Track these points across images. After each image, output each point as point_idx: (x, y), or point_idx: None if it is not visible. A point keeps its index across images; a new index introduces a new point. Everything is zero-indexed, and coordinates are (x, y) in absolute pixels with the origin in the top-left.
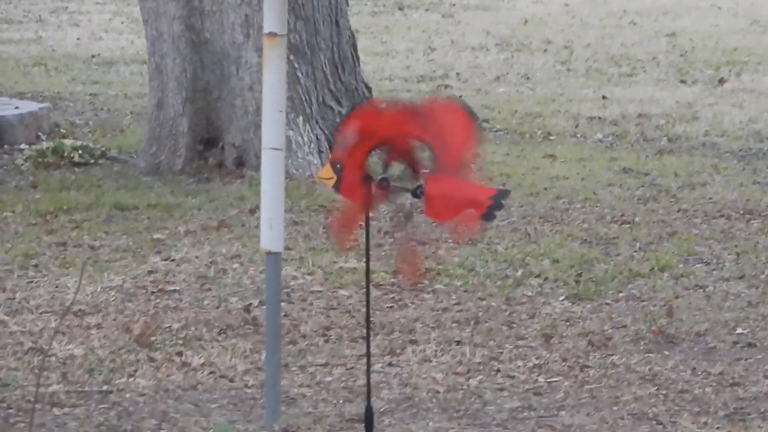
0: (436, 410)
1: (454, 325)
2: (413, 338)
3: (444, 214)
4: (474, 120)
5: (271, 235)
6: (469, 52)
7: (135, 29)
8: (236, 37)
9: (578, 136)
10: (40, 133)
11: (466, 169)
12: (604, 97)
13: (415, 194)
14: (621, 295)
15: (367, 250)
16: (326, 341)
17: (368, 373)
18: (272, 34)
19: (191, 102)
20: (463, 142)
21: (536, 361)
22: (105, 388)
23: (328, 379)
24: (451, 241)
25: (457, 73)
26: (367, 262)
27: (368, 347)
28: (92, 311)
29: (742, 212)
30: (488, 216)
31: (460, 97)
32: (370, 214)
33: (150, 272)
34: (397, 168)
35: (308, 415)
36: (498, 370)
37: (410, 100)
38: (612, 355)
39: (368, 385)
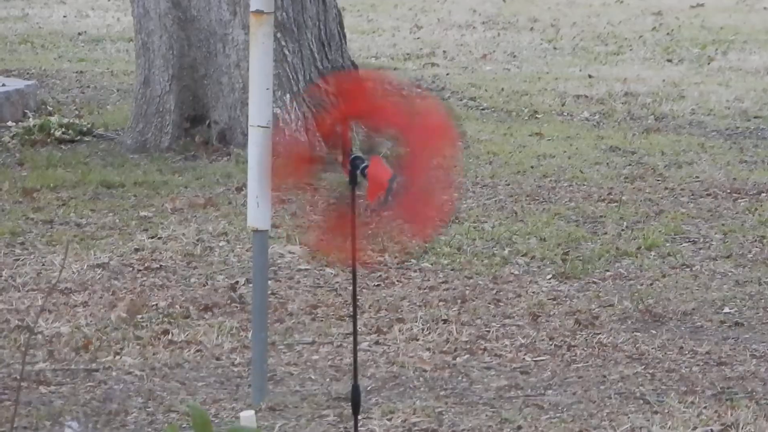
0: (422, 389)
1: (441, 303)
2: (400, 317)
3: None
4: (455, 127)
5: (258, 212)
6: (455, 30)
7: (121, 7)
8: (223, 14)
9: (565, 114)
10: (26, 111)
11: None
12: (590, 76)
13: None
14: (608, 273)
15: (353, 227)
16: (313, 319)
17: (355, 351)
18: (259, 12)
19: (178, 79)
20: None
21: (523, 340)
22: (91, 366)
23: (315, 357)
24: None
25: (444, 51)
26: (354, 239)
27: (355, 326)
28: (79, 289)
29: (728, 191)
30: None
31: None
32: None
33: (136, 250)
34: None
35: (295, 394)
36: (485, 349)
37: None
38: (599, 334)
39: (355, 363)
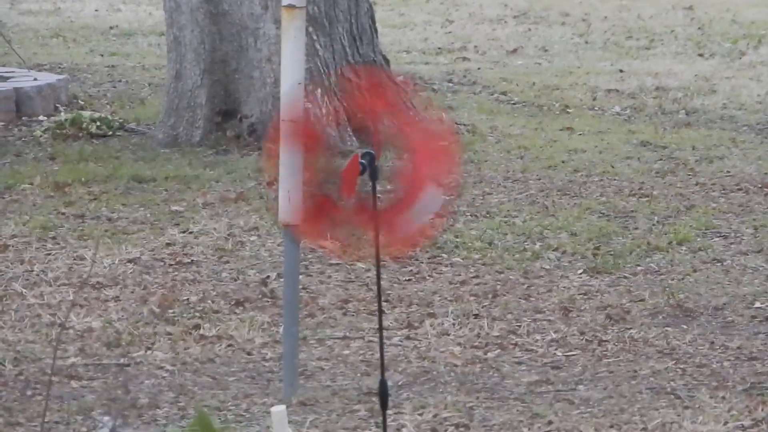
0: (453, 384)
1: (472, 298)
2: (431, 311)
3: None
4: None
5: (289, 207)
6: (486, 25)
7: (153, 1)
8: (254, 8)
9: (596, 108)
10: (58, 105)
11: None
12: (621, 71)
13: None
14: (639, 268)
15: (376, 223)
16: (344, 314)
17: (381, 346)
18: (291, 6)
19: (209, 74)
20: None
21: (554, 335)
22: (123, 360)
23: (346, 352)
24: (466, 215)
25: (475, 46)
26: (376, 235)
27: (380, 320)
28: (110, 284)
29: (760, 186)
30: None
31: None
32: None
33: (168, 244)
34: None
35: (326, 389)
36: (516, 344)
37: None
38: (630, 328)
39: (382, 358)
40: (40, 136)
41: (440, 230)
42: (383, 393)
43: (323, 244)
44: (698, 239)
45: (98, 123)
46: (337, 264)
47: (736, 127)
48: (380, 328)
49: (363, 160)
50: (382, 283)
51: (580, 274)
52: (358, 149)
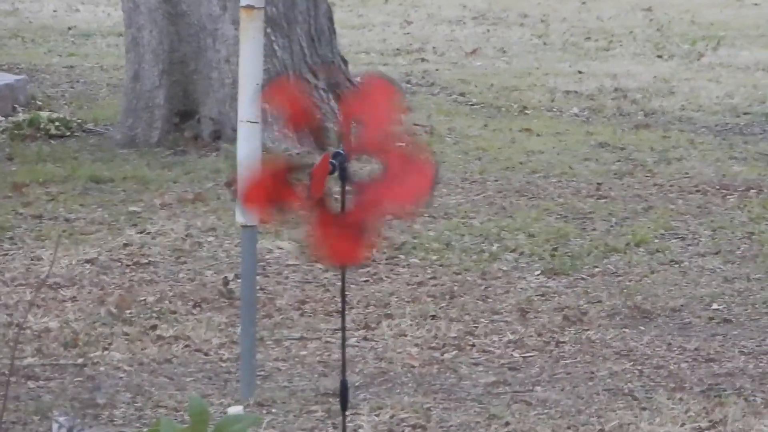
0: (411, 385)
1: (429, 299)
2: (388, 312)
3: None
4: (398, 92)
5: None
6: (445, 26)
7: (111, 1)
8: (213, 9)
9: (554, 110)
10: (16, 105)
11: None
12: (580, 72)
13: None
14: (596, 269)
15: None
16: (301, 315)
17: (343, 347)
18: (249, 7)
19: (168, 74)
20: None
21: (511, 336)
22: (80, 361)
23: (304, 353)
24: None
25: (434, 47)
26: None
27: (343, 321)
28: (67, 284)
29: (717, 187)
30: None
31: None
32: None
33: (125, 245)
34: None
35: (283, 389)
36: (473, 345)
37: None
38: (587, 330)
39: (343, 359)
40: None
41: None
42: (343, 393)
43: (264, 218)
44: (656, 241)
45: (56, 123)
46: (295, 265)
47: (694, 129)
48: (343, 328)
49: (333, 160)
50: (339, 284)
51: (538, 275)
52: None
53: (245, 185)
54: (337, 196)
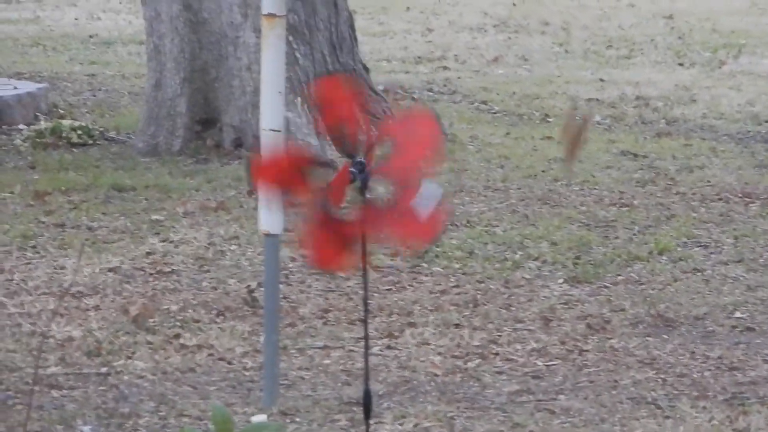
0: (434, 393)
1: (452, 307)
2: (411, 321)
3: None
4: (442, 134)
5: (269, 216)
6: (466, 33)
7: (133, 9)
8: (234, 17)
9: (576, 117)
10: (38, 114)
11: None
12: (601, 80)
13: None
14: (619, 278)
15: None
16: (324, 324)
17: (366, 356)
18: (271, 15)
19: (189, 82)
20: (423, 151)
21: (535, 345)
22: (103, 370)
23: (327, 361)
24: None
25: (455, 54)
26: (363, 243)
27: (366, 330)
28: (90, 293)
29: (740, 195)
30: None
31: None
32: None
33: (148, 253)
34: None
35: (306, 398)
36: (496, 354)
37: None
38: (610, 338)
39: (366, 367)
40: (20, 145)
41: (450, 216)
42: (367, 402)
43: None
44: (678, 249)
45: (78, 132)
46: (318, 273)
47: (716, 137)
48: (366, 337)
49: (353, 169)
50: (361, 292)
51: (561, 283)
52: (339, 158)
53: (262, 159)
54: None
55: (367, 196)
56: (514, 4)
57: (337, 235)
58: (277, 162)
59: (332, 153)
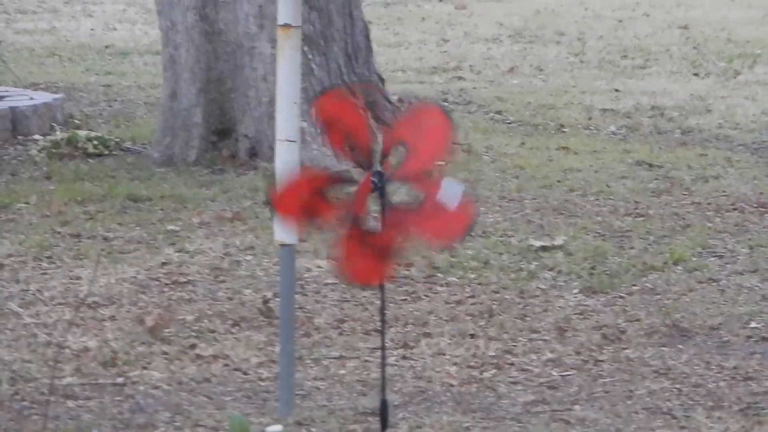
0: (450, 404)
1: (467, 318)
2: (427, 331)
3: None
4: (452, 125)
5: (285, 227)
6: (482, 44)
7: (148, 20)
8: (250, 27)
9: (591, 128)
10: (54, 124)
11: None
12: (616, 90)
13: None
14: (635, 288)
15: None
16: (340, 334)
17: (383, 366)
18: (286, 26)
19: (205, 93)
20: (435, 147)
21: (550, 355)
22: (119, 380)
23: (342, 371)
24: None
25: (470, 65)
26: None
27: (383, 340)
28: (106, 303)
29: (755, 205)
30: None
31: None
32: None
33: (164, 264)
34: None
35: (322, 408)
36: (512, 364)
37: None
38: (626, 348)
39: (383, 378)
40: (36, 155)
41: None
42: (383, 412)
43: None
44: (694, 259)
45: (94, 142)
46: (333, 284)
47: (731, 147)
48: (382, 347)
49: (374, 179)
50: (378, 302)
51: (576, 293)
52: (354, 168)
53: (280, 194)
54: (371, 215)
55: (393, 200)
56: (538, 13)
57: (372, 248)
58: (296, 190)
59: (347, 161)
